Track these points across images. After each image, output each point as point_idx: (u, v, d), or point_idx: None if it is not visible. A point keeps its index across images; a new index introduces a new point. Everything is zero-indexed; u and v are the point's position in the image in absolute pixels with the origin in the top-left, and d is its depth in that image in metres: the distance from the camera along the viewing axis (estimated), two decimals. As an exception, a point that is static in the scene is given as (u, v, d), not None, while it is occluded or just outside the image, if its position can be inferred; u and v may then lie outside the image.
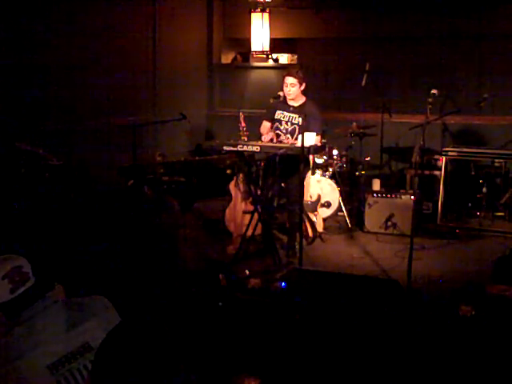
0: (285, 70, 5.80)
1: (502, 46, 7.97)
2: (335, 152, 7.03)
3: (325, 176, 6.85)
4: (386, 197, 6.58)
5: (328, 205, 6.79)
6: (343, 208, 6.80)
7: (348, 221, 6.74)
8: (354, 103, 8.42)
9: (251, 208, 5.68)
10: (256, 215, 5.51)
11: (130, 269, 3.91)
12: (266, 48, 8.89)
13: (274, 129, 5.71)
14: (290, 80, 5.49)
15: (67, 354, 1.92)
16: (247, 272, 4.56)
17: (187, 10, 8.75)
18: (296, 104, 5.61)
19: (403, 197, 6.51)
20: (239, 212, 5.99)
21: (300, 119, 5.49)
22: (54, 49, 6.37)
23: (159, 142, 7.87)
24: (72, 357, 1.93)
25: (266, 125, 5.78)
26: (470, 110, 6.75)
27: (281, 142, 5.60)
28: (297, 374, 3.19)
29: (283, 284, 4.11)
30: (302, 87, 5.54)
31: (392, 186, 7.36)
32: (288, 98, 5.57)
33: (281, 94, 5.55)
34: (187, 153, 8.50)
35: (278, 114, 5.67)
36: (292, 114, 5.61)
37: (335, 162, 7.01)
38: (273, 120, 5.72)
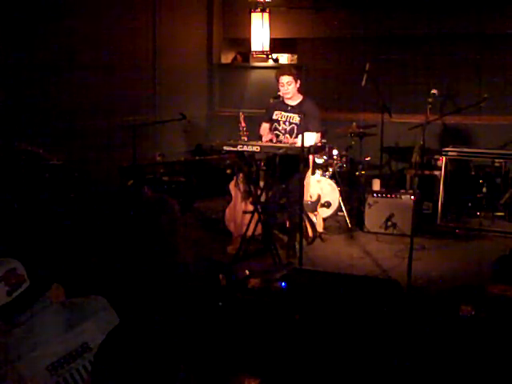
0: (277, 70, 5.72)
1: (502, 45, 7.97)
2: (335, 152, 7.02)
3: (325, 176, 6.85)
4: (386, 197, 6.57)
5: (328, 205, 6.79)
6: (343, 208, 6.80)
7: (348, 221, 6.74)
8: (354, 103, 8.42)
9: (251, 208, 5.68)
10: (256, 215, 5.51)
11: (130, 269, 3.90)
12: (266, 48, 8.89)
13: (272, 129, 5.71)
14: (285, 79, 5.48)
15: (66, 354, 1.92)
16: (247, 272, 4.55)
17: (187, 10, 8.75)
18: (293, 103, 5.61)
19: (403, 197, 6.50)
20: (239, 212, 5.99)
21: (298, 119, 5.49)
22: (53, 49, 6.37)
23: (159, 142, 7.87)
24: (71, 357, 1.92)
25: (265, 126, 5.77)
26: (470, 110, 6.74)
27: (280, 142, 5.60)
28: (296, 374, 3.19)
29: (283, 284, 4.10)
30: (298, 84, 5.54)
31: (392, 186, 7.36)
32: (286, 97, 5.56)
33: (281, 94, 5.55)
34: (187, 153, 8.51)
35: (276, 115, 5.67)
36: (290, 114, 5.61)
37: (335, 161, 7.00)
38: (271, 120, 5.72)
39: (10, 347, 1.88)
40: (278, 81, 5.54)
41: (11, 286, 1.94)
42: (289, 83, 5.48)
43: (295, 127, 5.56)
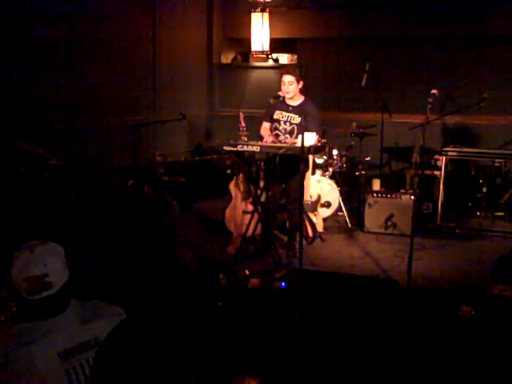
0: (282, 68, 5.78)
1: (501, 46, 7.97)
2: (335, 152, 7.02)
3: (325, 176, 6.85)
4: (386, 197, 6.57)
5: (328, 205, 6.79)
6: (343, 208, 6.80)
7: (348, 221, 6.74)
8: (354, 103, 8.43)
9: (251, 208, 5.68)
10: (256, 215, 5.51)
11: (130, 269, 3.90)
12: (266, 48, 8.89)
13: (272, 129, 5.71)
14: (287, 78, 5.49)
15: (79, 344, 1.94)
16: (247, 272, 4.56)
17: (187, 11, 8.76)
18: (295, 103, 5.61)
19: (403, 197, 6.50)
20: (239, 212, 5.99)
21: (299, 119, 5.49)
22: (53, 49, 6.38)
23: (159, 142, 7.87)
24: (83, 348, 1.94)
25: (266, 126, 5.77)
26: (470, 110, 6.74)
27: (280, 142, 5.60)
28: (296, 374, 3.19)
29: (283, 284, 4.10)
30: (300, 85, 5.54)
31: (392, 186, 7.36)
32: (287, 96, 5.56)
33: (281, 93, 5.55)
34: (187, 153, 8.51)
35: (277, 114, 5.67)
36: (291, 114, 5.61)
37: (335, 162, 7.00)
38: (272, 120, 5.72)
39: (25, 330, 1.90)
40: (281, 78, 5.56)
41: (32, 289, 1.94)
42: (290, 83, 5.49)
43: (295, 127, 5.56)
